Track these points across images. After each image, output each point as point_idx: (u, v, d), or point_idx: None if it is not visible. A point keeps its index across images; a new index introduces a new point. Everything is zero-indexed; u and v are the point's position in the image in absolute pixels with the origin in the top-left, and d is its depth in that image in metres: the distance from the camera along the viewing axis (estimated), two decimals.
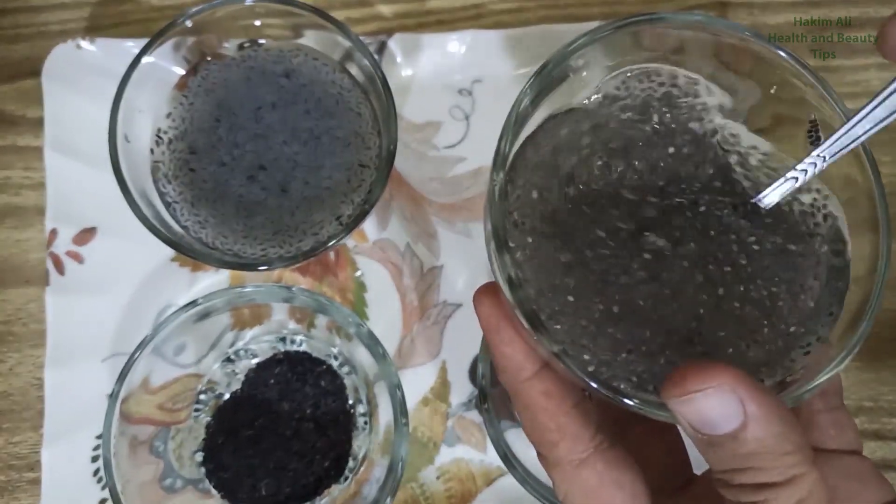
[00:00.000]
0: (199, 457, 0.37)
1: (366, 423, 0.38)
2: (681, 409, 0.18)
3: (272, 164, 0.35)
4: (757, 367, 0.23)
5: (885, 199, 0.22)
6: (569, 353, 0.21)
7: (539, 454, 0.23)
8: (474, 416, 0.39)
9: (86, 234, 0.39)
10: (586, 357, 0.22)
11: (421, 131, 0.41)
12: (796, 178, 0.23)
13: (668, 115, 0.24)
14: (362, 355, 0.37)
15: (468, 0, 0.43)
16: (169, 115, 0.36)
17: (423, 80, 0.41)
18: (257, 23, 0.36)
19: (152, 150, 0.35)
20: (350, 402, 0.38)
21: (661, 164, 0.24)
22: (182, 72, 0.36)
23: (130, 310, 0.39)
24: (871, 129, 0.22)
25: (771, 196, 0.23)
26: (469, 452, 0.38)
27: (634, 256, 0.23)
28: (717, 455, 0.19)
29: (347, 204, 0.35)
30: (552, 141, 0.24)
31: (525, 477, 0.35)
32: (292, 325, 0.39)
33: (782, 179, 0.23)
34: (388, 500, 0.33)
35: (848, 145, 0.22)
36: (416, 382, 0.39)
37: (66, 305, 0.38)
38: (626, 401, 0.20)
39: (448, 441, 0.39)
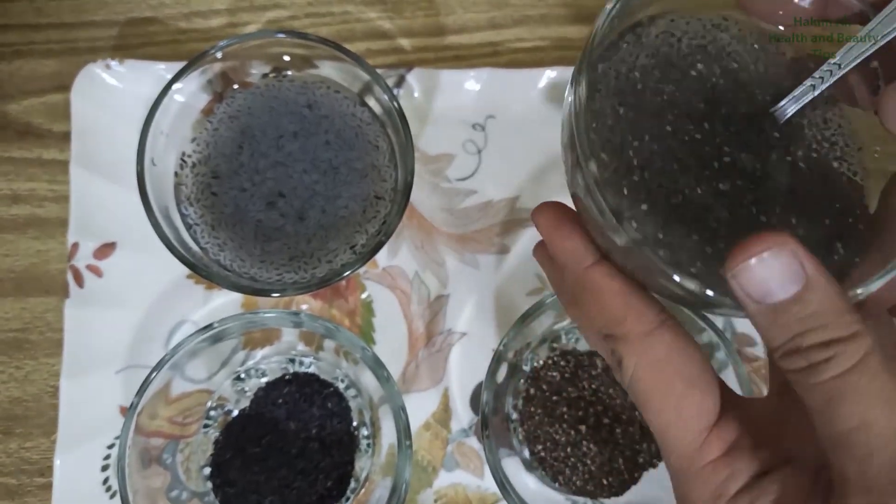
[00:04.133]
0: (207, 471, 0.38)
1: (368, 445, 0.39)
2: (744, 280, 0.19)
3: (291, 191, 0.36)
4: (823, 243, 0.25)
5: None
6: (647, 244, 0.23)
7: (604, 339, 0.23)
8: (473, 442, 0.40)
9: (106, 249, 0.40)
10: (662, 253, 0.23)
11: (434, 163, 0.42)
12: (813, 87, 0.25)
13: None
14: (368, 379, 0.38)
15: (486, 38, 0.44)
16: (194, 140, 0.37)
17: (438, 114, 0.42)
18: (286, 58, 0.37)
19: (176, 173, 0.37)
20: (354, 424, 0.39)
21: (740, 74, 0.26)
22: (208, 98, 0.38)
23: (146, 324, 0.40)
24: (886, 34, 0.23)
25: (787, 107, 0.25)
26: (467, 478, 0.40)
27: (705, 158, 0.25)
28: (782, 323, 0.19)
29: (361, 234, 0.36)
30: (637, 50, 0.26)
31: None
32: (301, 346, 0.40)
33: (800, 89, 0.25)
34: None
35: (862, 53, 0.23)
36: (419, 407, 0.40)
37: (83, 318, 0.39)
38: (697, 288, 0.21)
39: (447, 466, 0.40)
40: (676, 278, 0.22)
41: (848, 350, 0.19)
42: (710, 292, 0.22)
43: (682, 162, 0.25)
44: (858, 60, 0.24)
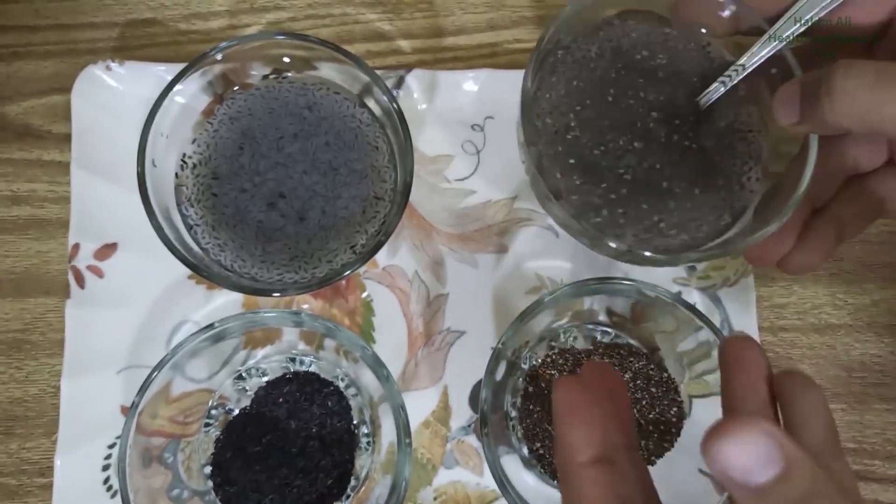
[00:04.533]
0: (207, 470, 0.38)
1: (369, 443, 0.39)
2: (722, 464, 0.18)
3: (291, 192, 0.36)
4: (717, 206, 0.33)
5: None
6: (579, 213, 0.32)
7: None
8: (472, 440, 0.40)
9: (107, 250, 0.41)
10: (595, 220, 0.32)
11: (433, 163, 0.42)
12: (723, 83, 0.32)
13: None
14: (368, 378, 0.38)
15: (484, 39, 0.44)
16: (194, 141, 0.37)
17: (437, 115, 0.43)
18: (286, 59, 0.37)
19: (177, 174, 0.37)
20: (355, 422, 0.39)
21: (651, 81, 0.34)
22: (209, 99, 0.38)
23: (147, 324, 0.40)
24: (777, 46, 0.30)
25: (706, 98, 0.32)
26: (466, 475, 0.40)
27: (625, 143, 0.33)
28: None
29: (361, 234, 0.37)
30: (569, 66, 0.35)
31: (518, 502, 0.36)
32: (302, 346, 0.40)
33: (714, 85, 0.32)
34: None
35: (761, 57, 0.30)
36: (419, 405, 0.40)
37: (84, 318, 0.40)
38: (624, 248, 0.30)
39: (447, 463, 0.40)
40: (611, 244, 0.30)
41: None
42: (645, 252, 0.30)
43: (612, 136, 0.33)
44: (757, 63, 0.30)
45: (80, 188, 0.41)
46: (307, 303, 0.41)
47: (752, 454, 0.18)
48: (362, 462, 0.39)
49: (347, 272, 0.34)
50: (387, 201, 0.37)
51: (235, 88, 0.38)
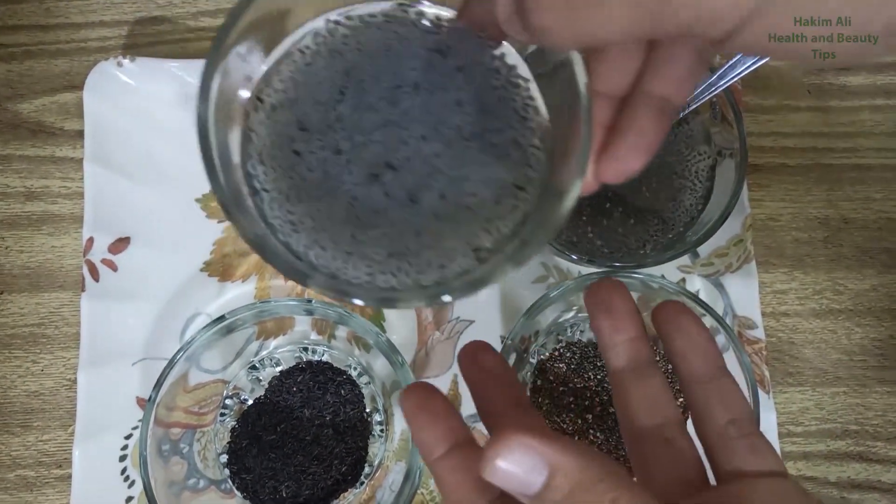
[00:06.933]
0: (224, 459, 0.39)
1: (382, 430, 0.40)
2: (499, 479, 0.20)
3: (403, 163, 0.25)
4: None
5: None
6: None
7: None
8: (482, 427, 0.41)
9: (120, 244, 0.41)
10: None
11: None
12: None
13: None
14: (380, 365, 0.39)
15: None
16: (277, 73, 0.25)
17: None
18: None
19: (248, 114, 0.25)
20: (367, 410, 0.40)
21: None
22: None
23: (161, 317, 0.41)
24: (711, 93, 0.35)
25: None
26: None
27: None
28: None
29: (490, 234, 0.25)
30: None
31: None
32: (314, 335, 0.41)
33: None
34: None
35: (700, 100, 0.35)
36: None
37: (99, 311, 0.40)
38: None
39: None
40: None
41: None
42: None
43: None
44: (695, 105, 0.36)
45: (93, 183, 0.41)
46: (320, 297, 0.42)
47: (520, 469, 0.20)
48: (375, 449, 0.40)
49: (460, 292, 0.23)
50: (529, 194, 0.25)
51: (346, 9, 0.25)
